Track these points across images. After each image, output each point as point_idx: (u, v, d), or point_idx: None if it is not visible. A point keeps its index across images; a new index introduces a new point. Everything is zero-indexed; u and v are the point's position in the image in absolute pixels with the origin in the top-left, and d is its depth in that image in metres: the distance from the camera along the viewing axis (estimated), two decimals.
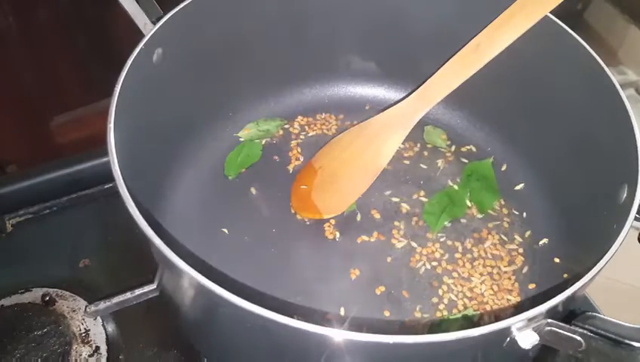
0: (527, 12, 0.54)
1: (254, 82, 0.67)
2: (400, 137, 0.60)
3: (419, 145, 0.68)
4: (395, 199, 0.63)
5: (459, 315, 0.54)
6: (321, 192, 0.61)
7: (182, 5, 0.55)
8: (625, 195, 0.46)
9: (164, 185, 0.60)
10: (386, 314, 0.54)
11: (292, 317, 0.35)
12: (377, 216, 0.61)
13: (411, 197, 0.63)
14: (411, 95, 0.61)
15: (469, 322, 0.54)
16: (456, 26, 0.60)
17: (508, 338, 0.37)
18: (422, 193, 0.63)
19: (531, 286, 0.57)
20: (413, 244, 0.59)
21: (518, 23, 0.54)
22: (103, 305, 0.45)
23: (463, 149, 0.67)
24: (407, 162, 0.66)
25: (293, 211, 0.61)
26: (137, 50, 0.50)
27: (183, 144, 0.62)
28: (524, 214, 0.62)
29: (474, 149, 0.67)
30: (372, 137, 0.62)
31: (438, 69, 0.60)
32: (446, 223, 0.61)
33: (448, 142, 0.68)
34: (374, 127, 0.62)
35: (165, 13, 0.54)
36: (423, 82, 0.62)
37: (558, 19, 0.56)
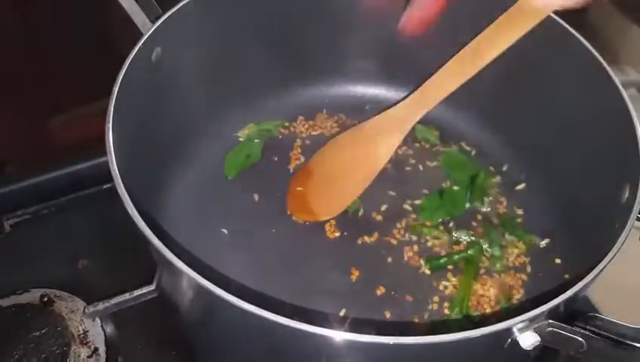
0: (527, 13, 0.53)
1: (255, 81, 0.67)
2: (397, 140, 0.60)
3: (419, 144, 0.68)
4: (395, 199, 0.62)
5: (460, 316, 0.54)
6: (317, 194, 0.61)
7: (181, 4, 0.55)
8: (627, 195, 0.46)
9: (163, 185, 0.59)
10: (387, 314, 0.54)
11: (292, 318, 0.34)
12: (378, 216, 0.61)
13: (412, 197, 0.63)
14: (408, 97, 0.60)
15: (470, 323, 0.54)
16: (457, 26, 0.60)
17: (509, 339, 0.37)
18: (422, 193, 0.63)
19: (532, 286, 0.57)
20: (414, 245, 0.59)
21: (518, 25, 0.53)
22: (101, 305, 0.45)
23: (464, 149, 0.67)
24: (407, 162, 0.66)
25: (289, 213, 0.61)
26: (136, 49, 0.50)
27: (182, 144, 0.62)
28: (526, 214, 0.62)
29: (479, 152, 0.67)
30: (369, 140, 0.61)
31: (438, 70, 0.60)
32: (446, 223, 0.61)
33: (440, 139, 0.68)
34: (371, 129, 0.62)
35: (164, 12, 0.54)
36: (423, 83, 0.62)
37: (560, 18, 0.56)
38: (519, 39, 0.55)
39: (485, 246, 0.59)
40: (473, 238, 0.59)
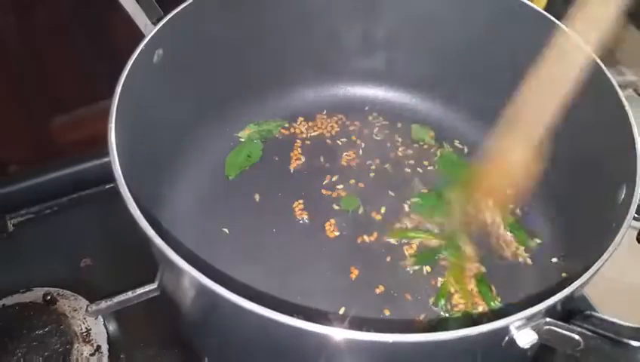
0: None
1: (255, 82, 0.67)
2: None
3: (417, 145, 0.68)
4: (394, 200, 0.63)
5: (458, 314, 0.55)
6: None
7: (182, 6, 0.55)
8: (623, 195, 0.46)
9: (164, 185, 0.60)
10: (386, 313, 0.54)
11: (292, 316, 0.35)
12: (377, 216, 0.61)
13: (411, 198, 0.63)
14: None
15: (468, 321, 0.54)
16: (456, 27, 0.60)
17: (507, 337, 0.37)
18: (421, 194, 0.63)
19: (530, 285, 0.57)
20: (412, 243, 0.59)
21: None
22: (104, 304, 0.45)
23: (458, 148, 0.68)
24: (406, 163, 0.66)
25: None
26: (138, 50, 0.50)
27: (183, 144, 0.62)
28: (523, 214, 0.62)
29: (472, 150, 0.67)
30: None
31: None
32: (446, 224, 0.61)
33: (435, 139, 0.68)
34: None
35: (166, 14, 0.55)
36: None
37: (557, 19, 0.56)
38: (517, 40, 0.54)
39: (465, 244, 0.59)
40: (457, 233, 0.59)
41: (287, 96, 0.70)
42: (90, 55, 0.78)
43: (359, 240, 0.59)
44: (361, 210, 0.62)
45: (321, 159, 0.66)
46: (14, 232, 0.63)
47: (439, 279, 0.57)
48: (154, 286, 0.45)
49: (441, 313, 0.55)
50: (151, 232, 0.39)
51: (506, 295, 0.56)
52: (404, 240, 0.59)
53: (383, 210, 0.62)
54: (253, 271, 0.55)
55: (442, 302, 0.55)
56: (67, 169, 0.65)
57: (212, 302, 0.40)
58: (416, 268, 0.58)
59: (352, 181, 0.64)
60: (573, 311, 0.40)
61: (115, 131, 0.45)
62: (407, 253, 0.59)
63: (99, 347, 0.53)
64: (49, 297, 0.56)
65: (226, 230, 0.59)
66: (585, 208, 0.54)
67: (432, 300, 0.55)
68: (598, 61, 0.53)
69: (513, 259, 0.59)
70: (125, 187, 0.42)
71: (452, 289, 0.56)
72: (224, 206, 0.61)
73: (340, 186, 0.63)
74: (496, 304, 0.55)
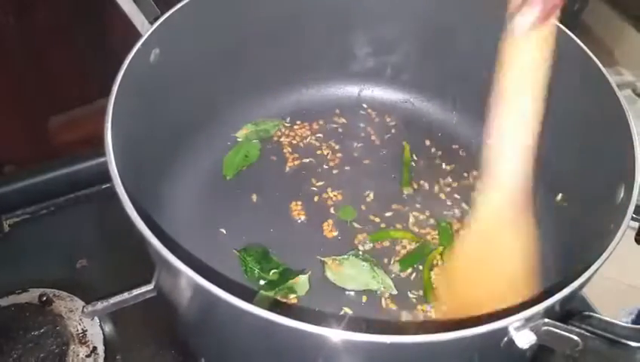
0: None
1: (252, 82, 0.67)
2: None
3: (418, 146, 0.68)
4: (394, 202, 0.63)
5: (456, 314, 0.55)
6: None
7: (179, 5, 0.55)
8: (622, 195, 0.46)
9: (161, 185, 0.60)
10: (386, 314, 0.54)
11: (290, 316, 0.35)
12: (377, 219, 0.61)
13: (410, 200, 0.63)
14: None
15: (466, 321, 0.54)
16: (451, 25, 0.60)
17: (505, 338, 0.37)
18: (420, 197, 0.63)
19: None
20: (409, 245, 0.59)
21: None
22: (100, 305, 0.45)
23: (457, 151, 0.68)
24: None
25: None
26: (135, 50, 0.50)
27: (180, 144, 0.62)
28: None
29: (471, 152, 0.67)
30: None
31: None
32: (445, 224, 0.61)
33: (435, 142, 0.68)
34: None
35: (163, 13, 0.54)
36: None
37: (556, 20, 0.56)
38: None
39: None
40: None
41: (284, 96, 0.70)
42: (88, 55, 0.78)
43: (357, 241, 0.59)
44: (360, 213, 0.61)
45: (319, 160, 0.66)
46: (10, 233, 0.63)
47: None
48: (150, 287, 0.45)
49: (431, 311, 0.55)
50: (147, 233, 0.39)
51: None
52: (401, 241, 0.59)
53: (382, 212, 0.62)
54: None
55: (430, 296, 0.55)
56: (64, 169, 0.64)
57: (209, 303, 0.40)
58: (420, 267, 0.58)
59: (351, 182, 0.64)
60: (572, 312, 0.40)
61: (111, 131, 0.45)
62: (394, 258, 0.58)
63: (95, 348, 0.53)
64: (45, 298, 0.55)
65: (224, 230, 0.59)
66: (583, 208, 0.54)
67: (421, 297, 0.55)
68: (597, 61, 0.53)
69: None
70: (122, 187, 0.41)
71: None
72: (221, 206, 0.61)
73: (337, 187, 0.63)
74: None
